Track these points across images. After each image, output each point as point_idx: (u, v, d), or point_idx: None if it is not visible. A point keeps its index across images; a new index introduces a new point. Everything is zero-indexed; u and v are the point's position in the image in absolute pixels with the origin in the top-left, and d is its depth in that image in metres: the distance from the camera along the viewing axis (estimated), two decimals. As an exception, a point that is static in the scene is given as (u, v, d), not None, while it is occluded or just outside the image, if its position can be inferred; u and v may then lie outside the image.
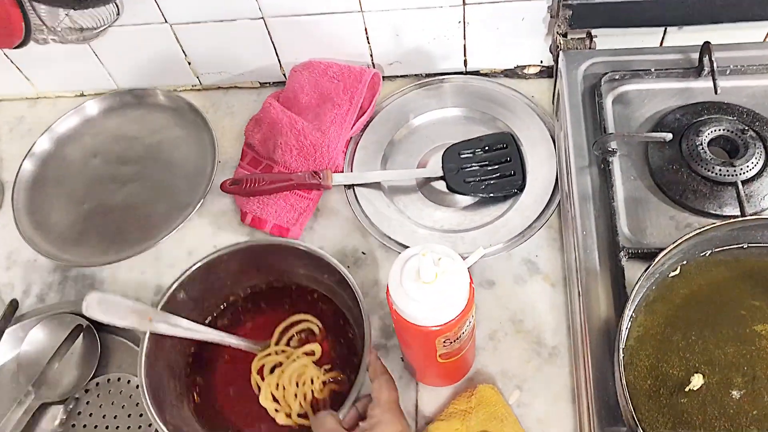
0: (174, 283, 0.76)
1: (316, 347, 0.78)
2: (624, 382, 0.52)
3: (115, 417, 0.81)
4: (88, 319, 0.84)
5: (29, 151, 0.99)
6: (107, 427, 0.80)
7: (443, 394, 0.77)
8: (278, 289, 0.83)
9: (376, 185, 0.90)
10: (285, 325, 0.79)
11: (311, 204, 0.89)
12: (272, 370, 0.77)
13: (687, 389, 0.56)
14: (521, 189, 0.87)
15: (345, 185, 0.90)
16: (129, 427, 0.80)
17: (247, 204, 0.89)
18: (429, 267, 0.61)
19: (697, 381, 0.56)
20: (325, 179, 0.88)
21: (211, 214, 0.92)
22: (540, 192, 0.86)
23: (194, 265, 0.77)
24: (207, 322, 0.81)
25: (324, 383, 0.76)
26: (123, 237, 0.91)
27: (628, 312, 0.56)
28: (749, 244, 0.61)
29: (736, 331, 0.58)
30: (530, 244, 0.84)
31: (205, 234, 0.91)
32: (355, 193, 0.90)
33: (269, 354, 0.78)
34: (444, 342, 0.65)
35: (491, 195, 0.87)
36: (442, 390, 0.77)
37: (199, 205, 0.90)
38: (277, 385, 0.75)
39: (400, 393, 0.77)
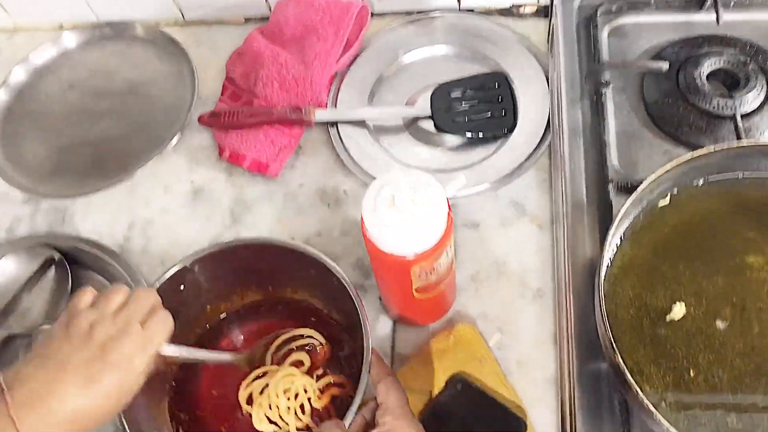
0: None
1: (304, 356, 0.70)
2: (604, 308, 0.49)
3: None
4: (60, 250, 0.82)
5: (4, 81, 0.96)
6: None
7: (421, 334, 0.74)
8: (260, 300, 0.76)
9: (361, 123, 0.86)
10: (278, 343, 0.71)
11: (292, 141, 0.85)
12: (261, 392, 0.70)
13: (668, 319, 0.52)
14: (511, 130, 0.83)
15: (328, 122, 0.87)
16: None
17: (226, 138, 0.85)
18: (405, 193, 0.58)
19: (678, 310, 0.53)
20: (307, 115, 0.85)
21: (189, 150, 0.89)
22: (531, 133, 0.82)
23: (169, 270, 0.68)
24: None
25: (321, 390, 0.69)
26: (98, 170, 0.88)
27: (611, 237, 0.53)
28: (745, 174, 0.57)
29: (726, 263, 0.54)
30: (518, 185, 0.81)
31: (181, 170, 0.87)
32: (338, 131, 0.86)
33: (255, 378, 0.70)
34: (420, 273, 0.62)
35: (480, 135, 0.83)
36: (419, 330, 0.74)
37: (175, 139, 0.87)
38: (270, 405, 0.68)
39: (378, 333, 0.75)
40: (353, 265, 0.79)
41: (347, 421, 0.60)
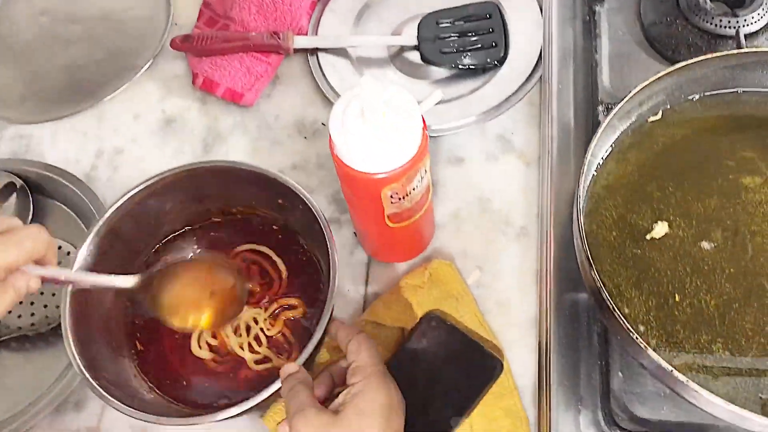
0: (101, 220, 0.64)
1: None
2: (582, 225, 0.45)
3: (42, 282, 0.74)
4: (22, 177, 0.78)
5: (-30, 4, 0.91)
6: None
7: (396, 271, 0.70)
8: (221, 221, 0.71)
9: (343, 53, 0.82)
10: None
11: (269, 69, 0.81)
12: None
13: (649, 237, 0.48)
14: (502, 62, 0.78)
15: (308, 50, 0.82)
16: (53, 294, 0.73)
17: (199, 65, 0.81)
18: (376, 104, 0.54)
19: (660, 229, 0.49)
20: (285, 41, 0.80)
21: (162, 78, 0.84)
22: (522, 65, 0.78)
23: (123, 196, 0.64)
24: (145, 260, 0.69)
25: (274, 317, 0.66)
26: (67, 97, 0.83)
27: (593, 148, 0.48)
28: (744, 89, 0.53)
29: (720, 183, 0.50)
30: (506, 119, 0.76)
31: (153, 98, 0.83)
32: (318, 60, 0.82)
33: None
34: (392, 197, 0.58)
35: (468, 66, 0.79)
36: (395, 267, 0.70)
37: (147, 65, 0.83)
38: (214, 335, 0.65)
39: (351, 269, 0.71)
40: (329, 198, 0.75)
41: (305, 353, 0.56)
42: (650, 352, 0.41)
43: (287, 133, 0.79)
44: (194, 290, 0.61)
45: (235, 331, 0.65)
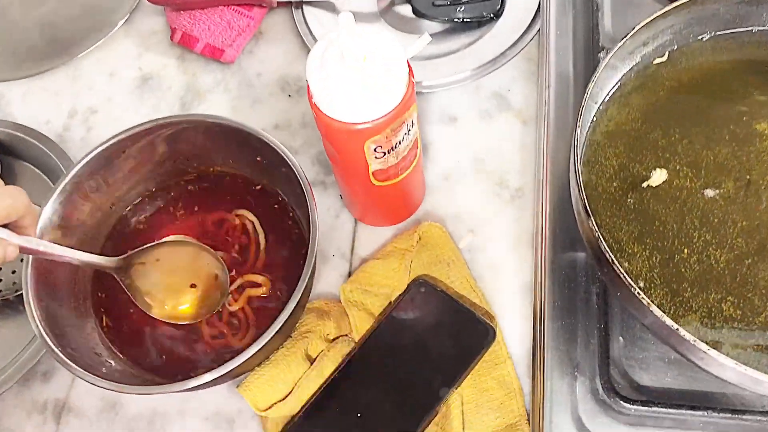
0: (66, 177, 0.59)
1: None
2: (579, 172, 0.40)
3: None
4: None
5: (-60, -42, 0.87)
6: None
7: (384, 235, 0.66)
8: (197, 182, 0.66)
9: (330, 6, 0.77)
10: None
11: (252, 23, 0.76)
12: None
13: (645, 185, 0.44)
14: (498, 14, 0.74)
15: (293, 3, 0.77)
16: (21, 260, 0.69)
17: (177, 19, 0.76)
18: (356, 48, 0.49)
19: (658, 176, 0.45)
20: (268, -7, 0.76)
21: (139, 34, 0.80)
22: (519, 18, 0.73)
23: (89, 154, 0.59)
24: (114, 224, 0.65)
25: (239, 292, 0.61)
26: (39, 54, 0.79)
27: (591, 89, 0.44)
28: (759, 28, 0.48)
29: (732, 130, 0.45)
30: (502, 76, 0.72)
31: (130, 55, 0.79)
32: (303, 14, 0.77)
33: None
34: (376, 151, 0.54)
35: (463, 20, 0.74)
36: (383, 231, 0.66)
37: (123, 20, 0.78)
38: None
39: (337, 232, 0.67)
40: (313, 159, 0.70)
41: (272, 330, 0.52)
42: (654, 309, 0.37)
43: (270, 92, 0.74)
44: (175, 279, 0.58)
45: None
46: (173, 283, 0.58)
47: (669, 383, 0.45)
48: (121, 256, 0.57)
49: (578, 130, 0.42)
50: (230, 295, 0.61)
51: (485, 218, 0.66)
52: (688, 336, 0.36)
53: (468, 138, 0.70)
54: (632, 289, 0.37)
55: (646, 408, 0.44)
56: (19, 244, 0.50)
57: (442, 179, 0.68)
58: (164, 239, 0.58)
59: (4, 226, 0.50)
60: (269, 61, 0.76)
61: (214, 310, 0.59)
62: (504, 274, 0.63)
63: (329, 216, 0.68)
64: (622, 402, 0.44)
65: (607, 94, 0.48)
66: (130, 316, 0.61)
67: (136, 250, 0.57)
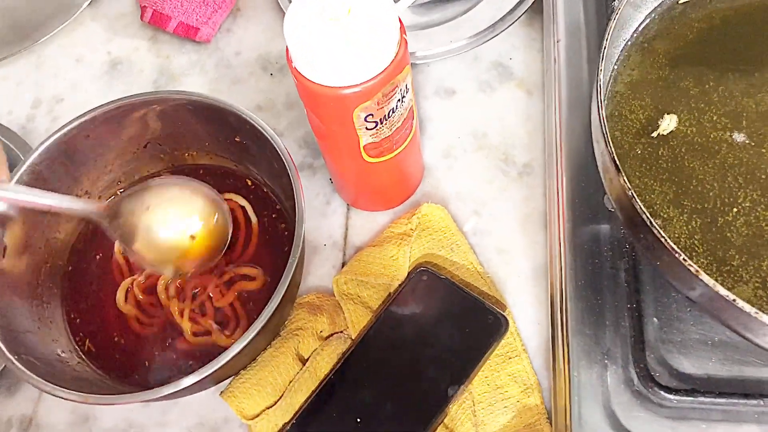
0: (23, 165, 0.53)
1: None
2: (606, 126, 0.34)
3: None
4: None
5: None
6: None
7: (379, 220, 0.60)
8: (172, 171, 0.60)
9: (312, -22, 0.71)
10: None
11: (228, -1, 0.70)
12: None
13: (656, 134, 0.38)
14: (495, -22, 0.68)
15: (272, -25, 0.72)
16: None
17: (148, -4, 0.70)
18: (340, 1, 0.44)
19: (667, 123, 0.39)
20: (245, -35, 0.70)
21: (106, 15, 0.73)
22: (519, -19, 0.67)
23: (47, 140, 0.53)
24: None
25: (227, 285, 0.55)
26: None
27: (610, 30, 0.37)
28: (802, -43, 0.42)
29: (777, 75, 0.40)
30: (502, 43, 0.66)
31: (97, 40, 0.72)
32: (285, -13, 0.71)
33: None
34: (367, 120, 0.47)
35: (456, -14, 0.68)
36: (378, 216, 0.60)
37: (88, 2, 0.72)
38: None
39: (328, 219, 0.61)
40: (299, 142, 0.64)
41: (255, 328, 0.45)
42: (704, 277, 0.31)
43: (250, 71, 0.68)
44: (171, 229, 0.51)
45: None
46: (169, 236, 0.51)
47: (714, 369, 0.39)
48: (106, 202, 0.51)
49: (601, 75, 0.36)
50: (217, 288, 0.55)
51: (491, 198, 0.60)
52: (747, 308, 0.30)
53: (468, 111, 0.64)
54: (677, 256, 0.31)
55: (690, 398, 0.38)
56: None
57: (442, 157, 0.62)
58: (152, 180, 0.52)
59: None
60: (248, 39, 0.70)
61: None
62: (514, 258, 0.57)
63: (319, 202, 0.61)
64: (662, 392, 0.38)
65: (628, 41, 0.42)
66: (103, 317, 0.55)
67: (122, 195, 0.51)
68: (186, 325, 0.53)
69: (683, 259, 0.31)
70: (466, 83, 0.65)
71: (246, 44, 0.70)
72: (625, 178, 0.33)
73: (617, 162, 0.33)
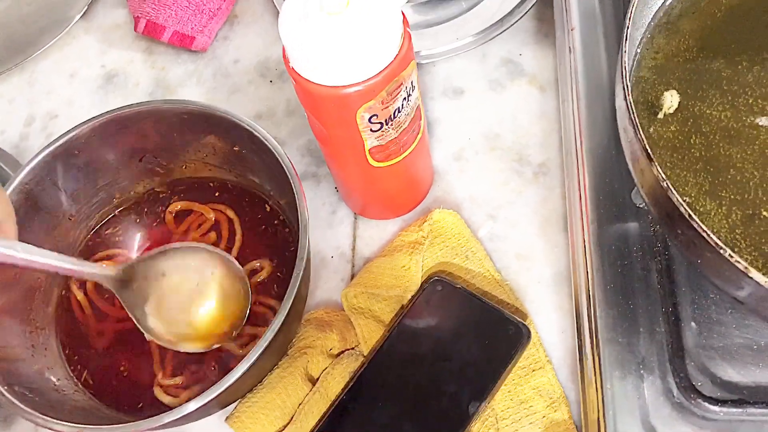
0: (11, 184, 0.50)
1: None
2: (631, 103, 0.31)
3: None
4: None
5: None
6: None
7: (389, 229, 0.57)
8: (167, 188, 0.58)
9: (310, -19, 0.68)
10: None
11: (224, 5, 0.67)
12: None
13: (662, 115, 0.35)
14: (500, -28, 0.65)
15: (268, -21, 0.69)
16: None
17: (140, 7, 0.68)
18: (338, -7, 0.41)
19: (669, 99, 0.36)
20: (240, -30, 0.67)
21: (99, 28, 0.71)
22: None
23: (35, 157, 0.51)
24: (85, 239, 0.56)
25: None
26: (-10, 58, 0.70)
27: (633, 9, 0.34)
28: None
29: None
30: (510, 39, 0.63)
31: (91, 53, 0.70)
32: (282, -9, 0.69)
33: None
34: (371, 121, 0.44)
35: (460, -19, 0.65)
36: (387, 224, 0.57)
37: (81, 14, 0.69)
38: None
39: (334, 230, 0.58)
40: (302, 150, 0.61)
41: (259, 348, 0.42)
42: (754, 274, 0.27)
43: (248, 79, 0.66)
44: (185, 297, 0.47)
45: None
46: (184, 303, 0.47)
47: (763, 376, 0.35)
48: (120, 266, 0.46)
49: (625, 58, 0.33)
50: None
51: (506, 201, 0.56)
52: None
53: (478, 111, 0.61)
54: (721, 252, 0.28)
55: (738, 410, 0.35)
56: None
57: (452, 160, 0.59)
58: (169, 246, 0.47)
59: None
60: (246, 46, 0.67)
61: (238, 330, 0.48)
62: (534, 264, 0.54)
63: (325, 212, 0.58)
64: (706, 404, 0.34)
65: (651, 20, 0.38)
66: (99, 343, 0.52)
67: (136, 259, 0.47)
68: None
69: (729, 255, 0.28)
70: (474, 82, 0.62)
71: (244, 52, 0.67)
72: (658, 167, 0.30)
73: (649, 150, 0.30)
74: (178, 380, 0.50)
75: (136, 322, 0.46)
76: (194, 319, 0.47)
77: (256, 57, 0.67)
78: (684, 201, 0.31)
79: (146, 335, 0.47)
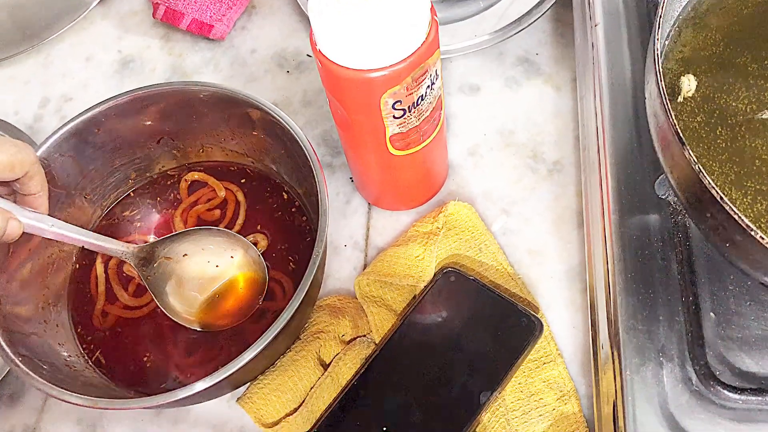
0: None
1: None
2: (662, 86, 0.31)
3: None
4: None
5: None
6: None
7: (403, 220, 0.57)
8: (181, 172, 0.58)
9: (329, -25, 0.69)
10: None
11: (244, -5, 0.68)
12: None
13: (681, 98, 0.35)
14: (519, -27, 0.66)
15: (288, -28, 0.69)
16: None
17: (160, -7, 0.68)
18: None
19: (687, 83, 0.36)
20: (261, -40, 0.68)
21: (117, 13, 0.71)
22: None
23: (57, 132, 0.51)
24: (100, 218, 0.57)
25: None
26: (5, 38, 0.70)
27: (664, 7, 0.35)
28: None
29: None
30: (527, 39, 0.64)
31: (108, 38, 0.70)
32: (301, -17, 0.69)
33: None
34: (395, 107, 0.45)
35: (479, -20, 0.66)
36: (401, 216, 0.57)
37: (98, 0, 0.70)
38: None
39: (348, 219, 0.58)
40: (318, 140, 0.62)
41: (273, 330, 0.42)
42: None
43: (265, 68, 0.66)
44: (206, 278, 0.49)
45: None
46: (204, 284, 0.49)
47: (780, 368, 0.36)
48: (143, 245, 0.48)
49: (657, 45, 0.33)
50: None
51: (520, 197, 0.57)
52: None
53: (493, 108, 0.61)
54: (753, 234, 0.28)
55: (758, 398, 0.35)
56: (27, 223, 0.42)
57: (467, 155, 0.59)
58: (192, 228, 0.50)
59: (5, 185, 0.42)
60: (264, 37, 0.68)
61: (252, 311, 0.50)
62: (546, 259, 0.54)
63: (339, 202, 0.59)
64: (725, 392, 0.35)
65: (679, 15, 0.39)
66: (112, 321, 0.52)
67: (160, 239, 0.49)
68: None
69: (760, 237, 0.28)
70: (491, 80, 0.62)
71: (261, 42, 0.68)
72: (690, 151, 0.30)
73: (681, 134, 0.31)
74: (192, 360, 0.50)
75: (156, 300, 0.48)
76: (212, 300, 0.49)
77: (274, 47, 0.67)
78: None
79: (166, 313, 0.48)
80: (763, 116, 0.35)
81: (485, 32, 0.62)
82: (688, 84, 0.37)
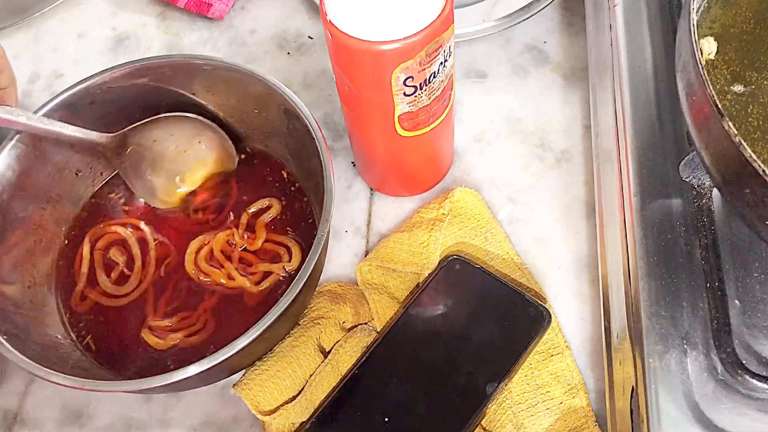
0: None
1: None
2: (699, 57, 0.30)
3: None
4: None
5: None
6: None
7: (406, 207, 0.55)
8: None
9: (333, -43, 0.67)
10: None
11: (244, -26, 0.66)
12: None
13: (704, 61, 0.34)
14: (528, -40, 0.64)
15: (291, -49, 0.68)
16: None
17: (158, -31, 0.66)
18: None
19: (707, 46, 0.36)
20: (263, -61, 0.66)
21: (113, -10, 0.69)
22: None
23: (51, 101, 0.49)
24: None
25: (251, 229, 0.52)
26: (-5, 13, 0.68)
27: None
28: None
29: None
30: (535, 27, 0.62)
31: (102, 14, 0.68)
32: (304, -36, 0.67)
33: None
34: (406, 84, 0.43)
35: (487, -34, 0.64)
36: (404, 202, 0.56)
37: (94, -27, 0.68)
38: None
39: (350, 204, 0.56)
40: (320, 122, 0.59)
41: (272, 315, 0.41)
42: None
43: (265, 50, 0.64)
44: (177, 162, 0.52)
45: (213, 263, 0.51)
46: (175, 167, 0.52)
47: (808, 358, 0.35)
48: (114, 133, 0.50)
49: (693, 14, 0.31)
50: (245, 237, 0.52)
51: (527, 185, 0.55)
52: None
53: (501, 95, 0.60)
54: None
55: (786, 389, 0.33)
56: None
57: (473, 142, 0.58)
58: (160, 115, 0.51)
59: None
60: (264, 17, 0.66)
61: (221, 193, 0.53)
62: (554, 249, 0.52)
63: (340, 186, 0.57)
64: (753, 381, 0.33)
65: (708, -3, 0.38)
66: (101, 303, 0.50)
67: (129, 127, 0.51)
68: (244, 282, 0.49)
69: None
70: (498, 66, 0.61)
71: (261, 22, 0.66)
72: (729, 122, 0.29)
73: (719, 105, 0.29)
74: (168, 322, 0.48)
75: (132, 188, 0.52)
76: (184, 182, 0.53)
77: (274, 29, 0.65)
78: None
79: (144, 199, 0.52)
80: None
81: (492, 18, 0.61)
82: (708, 46, 0.36)
